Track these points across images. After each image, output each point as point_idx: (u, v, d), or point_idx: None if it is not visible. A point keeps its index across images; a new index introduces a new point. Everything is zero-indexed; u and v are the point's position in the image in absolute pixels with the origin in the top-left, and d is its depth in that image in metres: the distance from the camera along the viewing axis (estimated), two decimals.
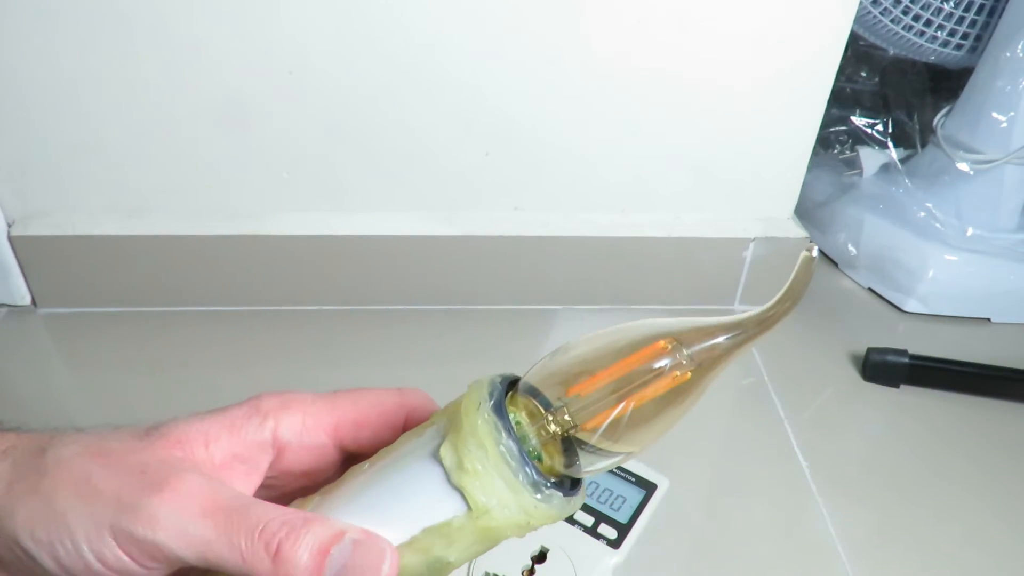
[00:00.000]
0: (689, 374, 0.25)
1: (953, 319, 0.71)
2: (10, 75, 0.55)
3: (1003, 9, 0.66)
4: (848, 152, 0.80)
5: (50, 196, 0.61)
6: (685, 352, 0.25)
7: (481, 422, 0.24)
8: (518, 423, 0.26)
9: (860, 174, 0.77)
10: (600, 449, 0.26)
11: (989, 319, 0.71)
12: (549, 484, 0.25)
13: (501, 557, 0.39)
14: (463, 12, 0.55)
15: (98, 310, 0.65)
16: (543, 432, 0.26)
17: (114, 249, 0.62)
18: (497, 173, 0.63)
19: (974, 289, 0.70)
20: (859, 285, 0.75)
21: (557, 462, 0.26)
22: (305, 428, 0.28)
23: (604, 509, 0.43)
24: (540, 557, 0.40)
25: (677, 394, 0.25)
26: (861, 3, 0.62)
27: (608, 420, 0.25)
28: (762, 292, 0.69)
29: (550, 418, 0.26)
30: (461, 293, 0.67)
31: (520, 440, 0.25)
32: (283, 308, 0.66)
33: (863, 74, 0.82)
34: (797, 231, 0.67)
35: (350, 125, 0.60)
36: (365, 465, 0.27)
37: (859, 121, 0.80)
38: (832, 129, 0.81)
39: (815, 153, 0.65)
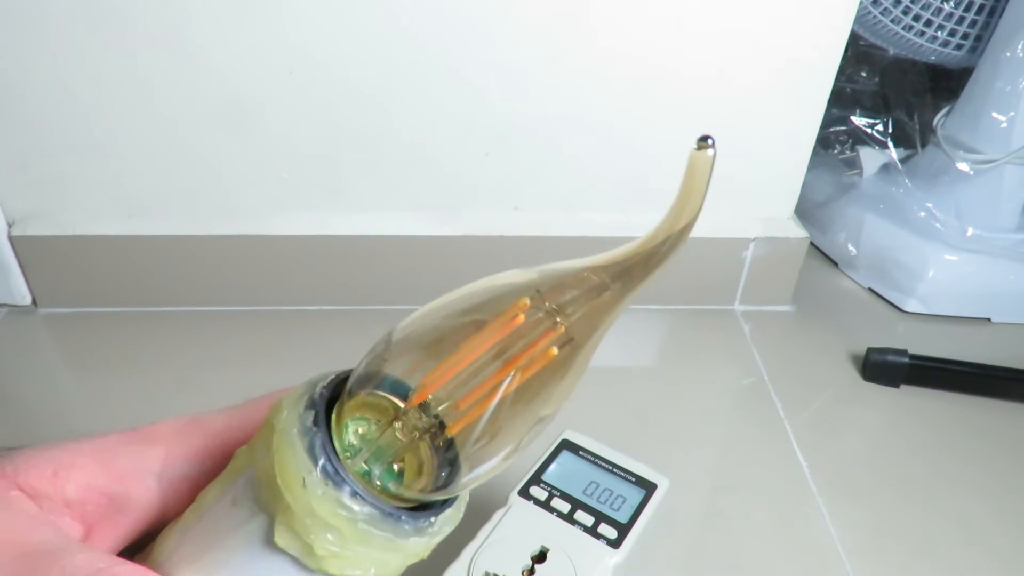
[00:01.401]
0: (560, 347, 0.19)
1: (953, 319, 0.71)
2: (10, 75, 0.55)
3: (1003, 9, 0.66)
4: (848, 152, 0.80)
5: (50, 196, 0.61)
6: (555, 312, 0.19)
7: (316, 501, 0.18)
8: (359, 444, 0.20)
9: (860, 174, 0.77)
10: (477, 448, 0.20)
11: (989, 319, 0.71)
12: (432, 520, 0.20)
13: (501, 557, 0.39)
14: (463, 12, 0.55)
15: (98, 310, 0.65)
16: (400, 440, 0.20)
17: (114, 249, 0.62)
18: (497, 173, 0.63)
19: (974, 289, 0.70)
20: (859, 285, 0.75)
21: (427, 471, 0.20)
22: (208, 452, 0.23)
23: (604, 509, 0.43)
24: (540, 557, 0.40)
25: (555, 371, 0.20)
26: (861, 3, 0.62)
27: (479, 414, 0.20)
28: (763, 292, 0.69)
29: (402, 423, 0.20)
30: None
31: (373, 480, 0.19)
32: (283, 308, 0.66)
33: (863, 74, 0.82)
34: (797, 231, 0.67)
35: (350, 125, 0.60)
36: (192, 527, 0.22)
37: (859, 121, 0.80)
38: (832, 129, 0.81)
39: (815, 153, 0.65)
